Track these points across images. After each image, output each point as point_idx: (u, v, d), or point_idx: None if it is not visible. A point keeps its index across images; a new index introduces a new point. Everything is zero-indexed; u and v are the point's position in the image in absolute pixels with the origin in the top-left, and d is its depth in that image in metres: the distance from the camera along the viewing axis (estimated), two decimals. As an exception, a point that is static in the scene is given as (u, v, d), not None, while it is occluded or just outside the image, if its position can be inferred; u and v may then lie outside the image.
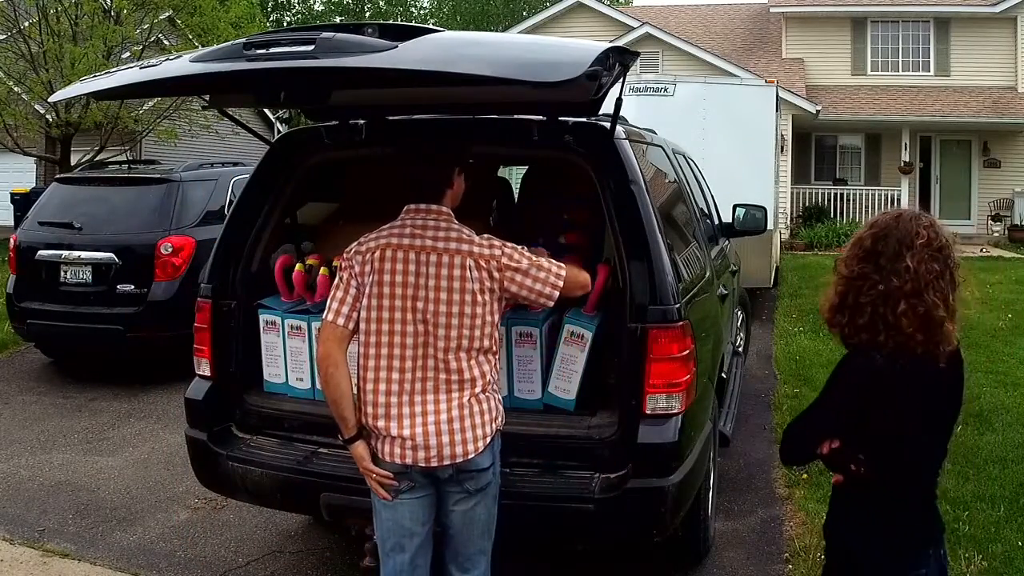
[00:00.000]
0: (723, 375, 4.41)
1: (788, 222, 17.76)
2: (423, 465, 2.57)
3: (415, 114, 3.60)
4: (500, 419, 2.67)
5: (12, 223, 13.45)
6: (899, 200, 18.72)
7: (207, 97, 3.48)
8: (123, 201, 7.35)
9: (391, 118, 3.58)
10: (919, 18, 20.01)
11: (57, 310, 6.99)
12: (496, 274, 2.61)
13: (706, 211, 5.42)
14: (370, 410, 2.60)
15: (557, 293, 2.66)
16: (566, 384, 3.30)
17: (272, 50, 2.44)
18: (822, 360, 7.59)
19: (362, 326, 2.61)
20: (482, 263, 2.60)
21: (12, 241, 7.51)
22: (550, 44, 2.71)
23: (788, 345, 8.28)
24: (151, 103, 15.13)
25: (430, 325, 2.57)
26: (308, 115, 4.10)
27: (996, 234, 18.65)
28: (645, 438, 2.99)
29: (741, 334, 6.53)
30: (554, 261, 2.72)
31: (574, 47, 2.42)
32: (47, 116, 15.11)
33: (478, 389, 2.60)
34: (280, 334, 3.53)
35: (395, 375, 2.57)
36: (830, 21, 20.35)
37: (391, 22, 2.62)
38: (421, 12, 40.64)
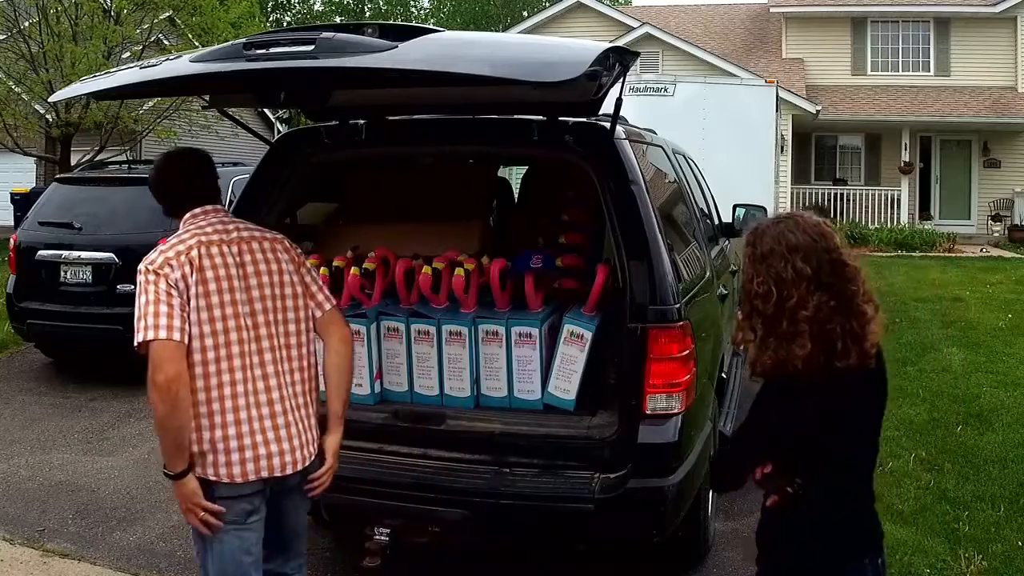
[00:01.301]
0: (723, 375, 4.41)
1: (788, 222, 17.72)
2: (288, 472, 2.47)
3: (415, 114, 3.61)
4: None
5: (12, 223, 13.44)
6: (899, 200, 18.73)
7: (207, 97, 3.48)
8: (123, 201, 7.34)
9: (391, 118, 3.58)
10: (919, 18, 20.01)
11: (57, 310, 6.99)
12: (297, 259, 2.65)
13: (706, 211, 5.42)
14: (220, 432, 2.39)
15: None
16: (566, 384, 3.30)
17: (272, 50, 2.45)
18: (822, 360, 7.59)
19: (199, 335, 2.38)
20: (288, 246, 2.65)
21: (12, 241, 7.51)
22: (550, 44, 2.71)
23: (788, 345, 8.26)
24: (151, 103, 15.12)
25: (275, 312, 2.52)
26: (308, 115, 4.10)
27: (996, 234, 18.65)
28: (645, 438, 2.99)
29: (741, 334, 6.52)
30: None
31: (574, 47, 2.42)
32: (47, 116, 15.11)
33: (315, 382, 2.61)
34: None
35: (248, 385, 2.42)
36: (830, 21, 20.34)
37: (391, 22, 2.62)
38: (421, 12, 40.63)
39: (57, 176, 9.35)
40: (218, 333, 2.40)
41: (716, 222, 5.71)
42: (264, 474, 2.42)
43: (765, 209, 6.15)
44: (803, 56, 20.24)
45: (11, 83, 14.82)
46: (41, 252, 7.12)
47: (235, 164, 8.59)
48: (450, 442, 3.25)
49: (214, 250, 2.46)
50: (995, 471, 4.90)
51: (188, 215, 2.58)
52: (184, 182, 2.64)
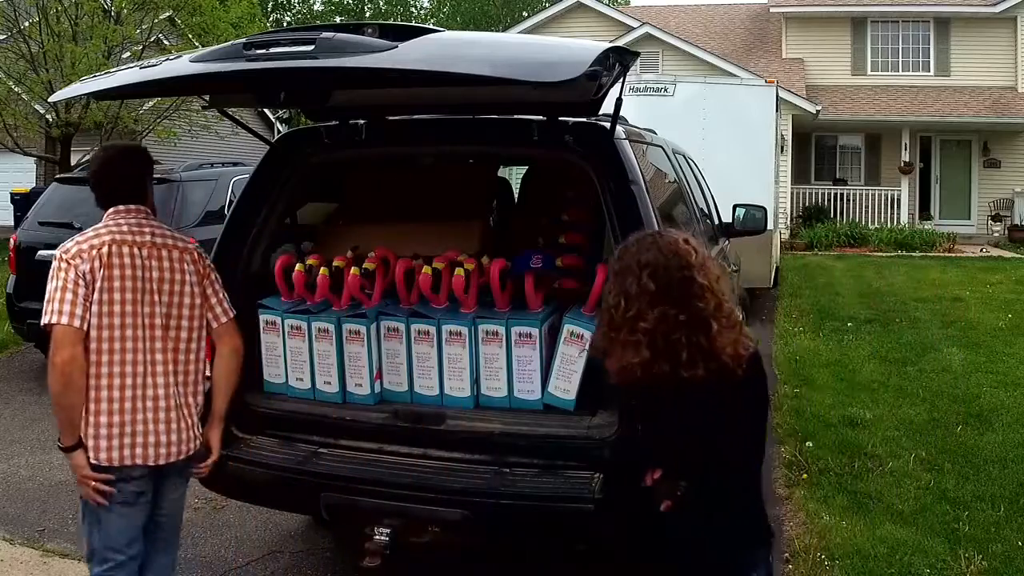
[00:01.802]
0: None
1: (788, 222, 17.76)
2: (171, 461, 2.70)
3: (415, 114, 3.60)
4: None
5: (12, 223, 13.44)
6: (899, 200, 18.74)
7: (207, 97, 3.48)
8: (123, 201, 7.34)
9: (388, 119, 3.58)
10: (919, 18, 20.02)
11: (57, 310, 6.98)
12: (203, 271, 2.85)
13: (706, 211, 5.42)
14: (104, 418, 2.60)
15: None
16: (566, 384, 3.30)
17: (272, 50, 2.45)
18: (822, 360, 7.60)
19: (96, 325, 2.58)
20: (197, 258, 2.82)
21: (12, 241, 7.51)
22: (550, 44, 2.71)
23: (788, 345, 8.28)
24: (151, 103, 15.13)
25: (169, 318, 2.70)
26: (308, 115, 4.10)
27: (996, 234, 18.66)
28: (645, 438, 2.98)
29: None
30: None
31: (574, 47, 2.42)
32: (47, 116, 15.11)
33: (200, 385, 2.79)
34: (280, 334, 3.53)
35: (138, 379, 2.63)
36: (830, 21, 20.35)
37: (391, 22, 2.63)
38: (421, 12, 40.64)
39: (57, 176, 9.35)
40: (114, 327, 2.60)
41: (716, 222, 5.71)
42: (150, 462, 2.65)
43: (765, 209, 6.15)
44: (803, 56, 20.25)
45: (11, 83, 14.82)
46: (41, 252, 7.10)
47: (235, 164, 8.59)
48: (450, 442, 3.25)
49: (124, 249, 2.64)
50: (995, 471, 4.90)
51: (111, 210, 2.73)
52: (115, 178, 2.76)
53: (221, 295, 2.90)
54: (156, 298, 2.67)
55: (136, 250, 2.65)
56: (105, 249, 2.60)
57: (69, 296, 2.55)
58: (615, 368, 2.11)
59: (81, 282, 2.57)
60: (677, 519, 2.19)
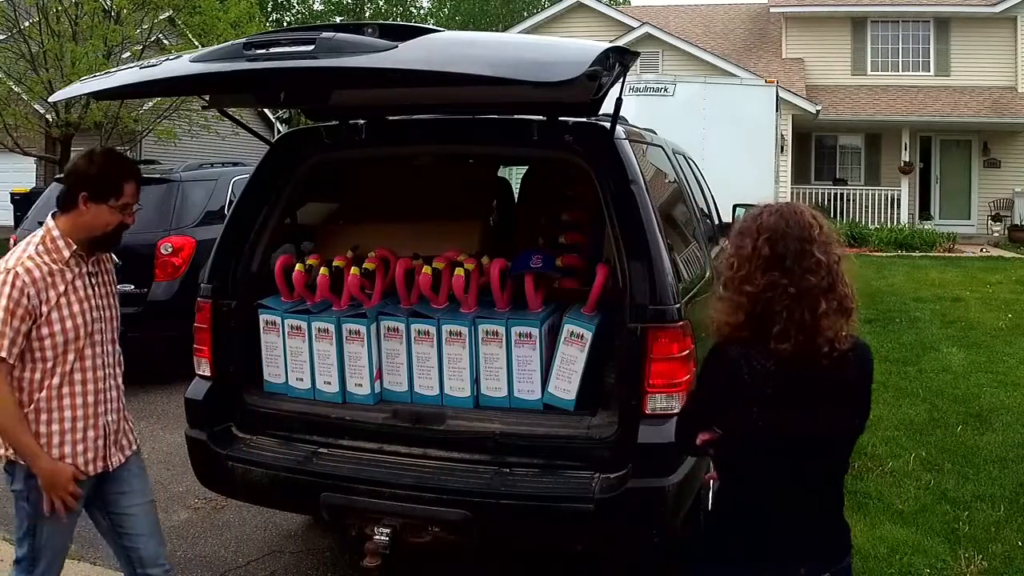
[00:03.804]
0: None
1: (788, 222, 17.74)
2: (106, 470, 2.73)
3: (415, 114, 3.60)
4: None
5: (12, 223, 13.45)
6: (899, 200, 18.74)
7: (207, 97, 3.48)
8: (123, 201, 7.34)
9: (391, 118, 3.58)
10: (919, 18, 20.03)
11: (57, 310, 6.98)
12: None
13: (706, 211, 5.42)
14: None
15: None
16: (566, 384, 3.30)
17: (272, 50, 2.45)
18: (822, 360, 7.59)
19: None
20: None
21: (12, 241, 7.50)
22: (550, 44, 2.71)
23: (788, 345, 8.27)
24: (151, 103, 15.14)
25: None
26: (308, 115, 4.11)
27: (996, 234, 18.66)
28: (645, 438, 2.98)
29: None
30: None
31: (574, 47, 2.42)
32: (47, 116, 15.12)
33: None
34: (280, 334, 3.53)
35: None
36: (830, 21, 20.36)
37: (391, 22, 2.62)
38: (421, 12, 40.65)
39: (57, 176, 9.34)
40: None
41: (716, 222, 5.71)
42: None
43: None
44: (803, 56, 20.25)
45: (11, 83, 14.82)
46: (41, 252, 7.11)
47: (235, 164, 8.59)
48: (450, 442, 3.25)
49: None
50: (995, 471, 4.90)
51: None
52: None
53: None
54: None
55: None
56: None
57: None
58: (712, 320, 2.04)
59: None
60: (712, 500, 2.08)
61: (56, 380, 2.57)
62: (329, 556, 4.05)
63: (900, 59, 20.29)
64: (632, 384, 3.00)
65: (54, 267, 2.55)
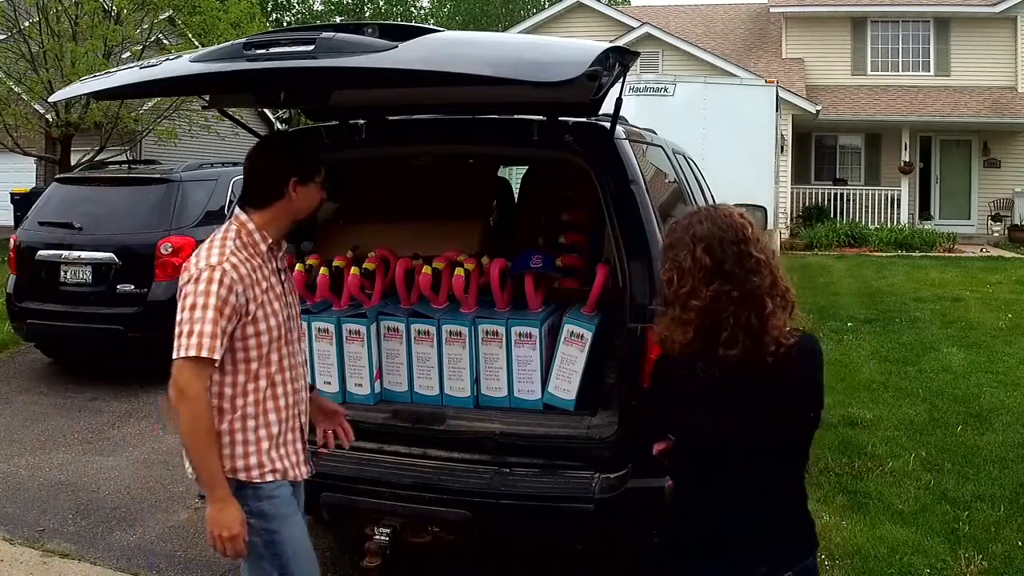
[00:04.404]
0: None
1: (788, 222, 17.77)
2: None
3: (415, 114, 3.60)
4: (241, 469, 2.38)
5: (12, 223, 13.44)
6: (899, 200, 18.73)
7: (207, 97, 3.48)
8: (123, 201, 7.34)
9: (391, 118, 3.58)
10: (919, 18, 20.02)
11: (57, 310, 6.99)
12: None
13: (706, 211, 5.41)
14: None
15: (172, 356, 2.29)
16: (566, 384, 3.30)
17: (272, 50, 2.45)
18: (822, 360, 7.59)
19: None
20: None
21: (12, 241, 7.51)
22: (550, 44, 2.71)
23: (788, 345, 8.27)
24: (151, 103, 15.12)
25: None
26: (308, 115, 4.10)
27: (996, 234, 18.66)
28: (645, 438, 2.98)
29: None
30: (199, 333, 2.26)
31: (574, 47, 2.42)
32: (47, 116, 15.11)
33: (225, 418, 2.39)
34: (280, 334, 3.53)
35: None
36: (830, 21, 20.35)
37: (391, 22, 2.62)
38: (421, 12, 40.64)
39: (57, 176, 9.35)
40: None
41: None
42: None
43: (765, 209, 6.15)
44: (803, 56, 20.25)
45: (11, 83, 14.82)
46: (41, 252, 7.12)
47: (235, 164, 8.58)
48: (450, 442, 3.25)
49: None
50: (995, 471, 4.90)
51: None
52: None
53: (176, 328, 2.36)
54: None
55: None
56: None
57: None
58: (657, 336, 2.02)
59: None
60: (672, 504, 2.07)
61: (263, 383, 2.39)
62: (329, 556, 4.05)
63: (900, 59, 20.28)
64: (632, 384, 3.00)
65: (254, 262, 2.39)
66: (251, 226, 2.44)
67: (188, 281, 2.33)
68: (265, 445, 2.39)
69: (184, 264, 2.40)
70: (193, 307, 2.28)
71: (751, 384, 1.93)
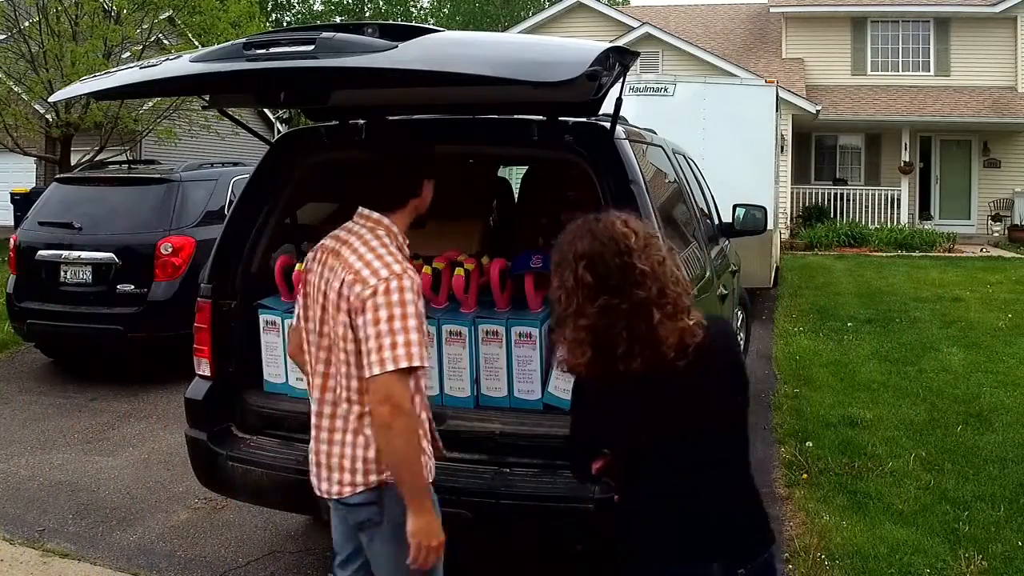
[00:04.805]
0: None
1: (788, 222, 17.76)
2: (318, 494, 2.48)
3: (415, 114, 3.60)
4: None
5: (12, 223, 13.44)
6: (899, 200, 18.73)
7: (207, 97, 3.48)
8: (123, 201, 7.35)
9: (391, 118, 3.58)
10: (919, 18, 20.02)
11: (57, 310, 6.99)
12: (348, 307, 2.30)
13: (706, 211, 5.42)
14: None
15: (374, 372, 2.20)
16: (566, 384, 3.28)
17: (272, 50, 2.45)
18: (822, 360, 7.60)
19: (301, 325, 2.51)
20: (346, 287, 2.30)
21: (12, 241, 7.51)
22: (550, 44, 2.71)
23: (788, 345, 8.28)
24: (151, 103, 15.13)
25: (327, 338, 2.39)
26: (308, 115, 4.10)
27: (996, 234, 18.66)
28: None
29: (741, 334, 6.54)
30: (405, 343, 2.20)
31: (574, 47, 2.42)
32: (47, 116, 15.11)
33: (366, 424, 2.34)
34: (280, 334, 3.53)
35: (315, 392, 2.45)
36: (830, 21, 20.35)
37: (391, 22, 2.62)
38: (421, 12, 40.64)
39: (57, 176, 9.35)
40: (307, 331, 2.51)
41: (716, 222, 5.71)
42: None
43: (765, 209, 6.15)
44: (803, 56, 20.25)
45: (11, 83, 14.82)
46: (41, 252, 7.12)
47: (235, 164, 8.60)
48: (450, 442, 3.24)
49: (321, 256, 2.48)
50: (995, 471, 4.90)
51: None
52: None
53: (374, 342, 2.21)
54: (323, 314, 2.40)
55: (324, 255, 2.43)
56: (312, 254, 2.49)
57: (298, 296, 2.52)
58: (562, 360, 2.02)
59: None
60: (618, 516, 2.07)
61: (422, 382, 2.37)
62: (329, 556, 4.05)
63: (900, 59, 20.28)
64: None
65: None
66: (396, 229, 2.44)
67: (375, 293, 2.24)
68: (425, 444, 2.38)
69: (349, 279, 2.29)
70: (391, 318, 2.21)
71: (670, 388, 1.94)
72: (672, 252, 2.00)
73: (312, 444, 2.48)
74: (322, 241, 2.50)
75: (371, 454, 2.34)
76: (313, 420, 2.46)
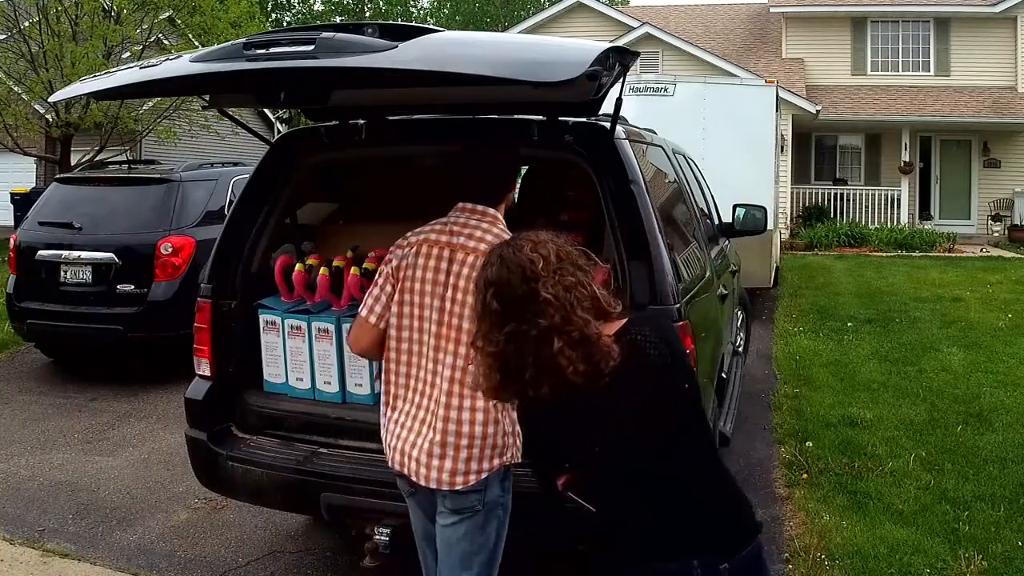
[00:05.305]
0: (723, 375, 4.41)
1: (788, 222, 17.76)
2: (413, 479, 2.50)
3: (415, 114, 3.60)
4: (507, 455, 2.48)
5: (12, 223, 13.45)
6: (899, 200, 18.73)
7: (207, 97, 3.48)
8: (123, 201, 7.35)
9: (392, 118, 3.58)
10: (919, 18, 20.02)
11: (57, 310, 6.99)
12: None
13: (706, 211, 5.42)
14: (382, 408, 2.60)
15: None
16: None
17: (272, 50, 2.44)
18: (822, 360, 7.60)
19: (392, 321, 2.55)
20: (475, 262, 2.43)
21: (12, 241, 7.51)
22: (550, 44, 2.70)
23: (788, 345, 8.28)
24: (151, 103, 15.14)
25: (452, 328, 2.46)
26: (308, 115, 4.10)
27: (996, 234, 18.66)
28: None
29: (741, 334, 6.54)
30: None
31: (574, 47, 2.42)
32: (47, 116, 15.12)
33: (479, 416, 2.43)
34: (280, 334, 3.53)
35: (410, 380, 2.52)
36: (830, 21, 20.35)
37: (391, 22, 2.62)
38: (421, 12, 40.64)
39: (57, 176, 9.35)
40: (409, 328, 2.54)
41: (716, 222, 5.71)
42: (403, 471, 2.53)
43: (765, 209, 6.15)
44: (803, 56, 20.25)
45: (11, 83, 14.82)
46: (41, 252, 7.12)
47: (235, 164, 8.59)
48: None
49: (434, 251, 2.54)
50: (995, 471, 4.90)
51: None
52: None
53: None
54: (452, 307, 2.48)
55: (445, 252, 2.52)
56: (415, 249, 2.55)
57: (375, 292, 2.59)
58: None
59: (389, 280, 2.58)
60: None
61: None
62: (329, 556, 4.05)
63: (900, 59, 20.29)
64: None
65: None
66: (500, 216, 2.56)
67: None
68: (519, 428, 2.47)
69: (468, 272, 2.40)
70: None
71: (606, 402, 1.91)
72: (586, 273, 1.95)
73: (408, 435, 2.49)
74: (417, 238, 2.57)
75: (499, 440, 2.44)
76: (418, 413, 2.49)
